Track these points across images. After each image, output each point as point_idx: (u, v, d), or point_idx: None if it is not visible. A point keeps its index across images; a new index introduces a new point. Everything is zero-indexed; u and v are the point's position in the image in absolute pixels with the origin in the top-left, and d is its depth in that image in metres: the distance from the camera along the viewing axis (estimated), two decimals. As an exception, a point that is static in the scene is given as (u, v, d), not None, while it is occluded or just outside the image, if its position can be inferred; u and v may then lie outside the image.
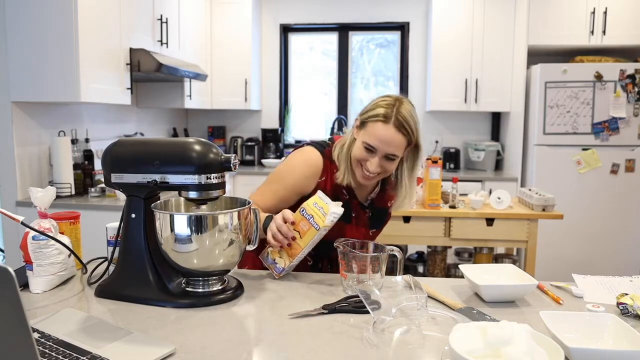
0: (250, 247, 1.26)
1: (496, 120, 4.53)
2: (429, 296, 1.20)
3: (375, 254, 1.25)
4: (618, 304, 1.13)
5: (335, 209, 1.29)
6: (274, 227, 1.31)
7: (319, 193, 1.35)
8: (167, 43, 3.49)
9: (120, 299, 1.18)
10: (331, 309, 1.12)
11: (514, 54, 4.10)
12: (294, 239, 1.31)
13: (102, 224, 1.51)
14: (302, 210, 1.33)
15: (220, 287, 1.22)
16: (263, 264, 1.41)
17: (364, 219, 1.56)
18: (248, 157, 4.61)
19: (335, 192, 1.50)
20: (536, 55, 4.08)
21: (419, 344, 0.97)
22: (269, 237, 1.33)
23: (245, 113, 4.87)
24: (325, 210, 1.29)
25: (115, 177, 1.21)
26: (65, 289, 1.25)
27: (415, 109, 1.43)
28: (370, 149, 1.40)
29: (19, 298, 0.62)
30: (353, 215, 1.53)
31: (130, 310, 1.13)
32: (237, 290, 1.22)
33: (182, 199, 1.26)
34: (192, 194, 1.18)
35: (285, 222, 1.31)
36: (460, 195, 3.14)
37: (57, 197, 2.49)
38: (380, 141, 1.38)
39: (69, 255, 1.28)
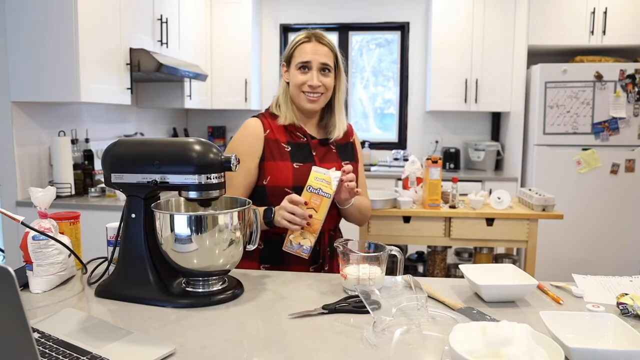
0: (250, 247, 1.26)
1: (496, 120, 4.53)
2: (429, 296, 1.20)
3: (376, 254, 1.25)
4: (618, 304, 1.13)
5: (335, 174, 1.43)
6: (288, 214, 1.39)
7: (314, 168, 1.45)
8: (167, 43, 3.49)
9: (120, 299, 1.18)
10: (331, 309, 1.12)
11: (514, 54, 4.10)
12: (310, 216, 1.39)
13: (102, 224, 1.51)
14: (309, 188, 1.42)
15: (220, 287, 1.22)
16: (289, 253, 1.45)
17: (331, 154, 1.65)
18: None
19: (290, 138, 1.59)
20: (536, 55, 4.08)
21: (419, 344, 0.97)
22: (286, 225, 1.40)
23: (245, 113, 4.86)
24: (327, 179, 1.42)
25: (115, 177, 1.21)
26: (65, 289, 1.25)
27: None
28: (305, 66, 1.55)
29: (19, 298, 0.62)
30: (314, 153, 1.60)
31: (130, 310, 1.13)
32: (237, 290, 1.22)
33: (182, 199, 1.26)
34: (192, 194, 1.18)
35: (296, 205, 1.38)
36: (460, 195, 3.13)
37: (57, 197, 2.49)
38: (311, 53, 1.54)
39: (69, 255, 1.28)
